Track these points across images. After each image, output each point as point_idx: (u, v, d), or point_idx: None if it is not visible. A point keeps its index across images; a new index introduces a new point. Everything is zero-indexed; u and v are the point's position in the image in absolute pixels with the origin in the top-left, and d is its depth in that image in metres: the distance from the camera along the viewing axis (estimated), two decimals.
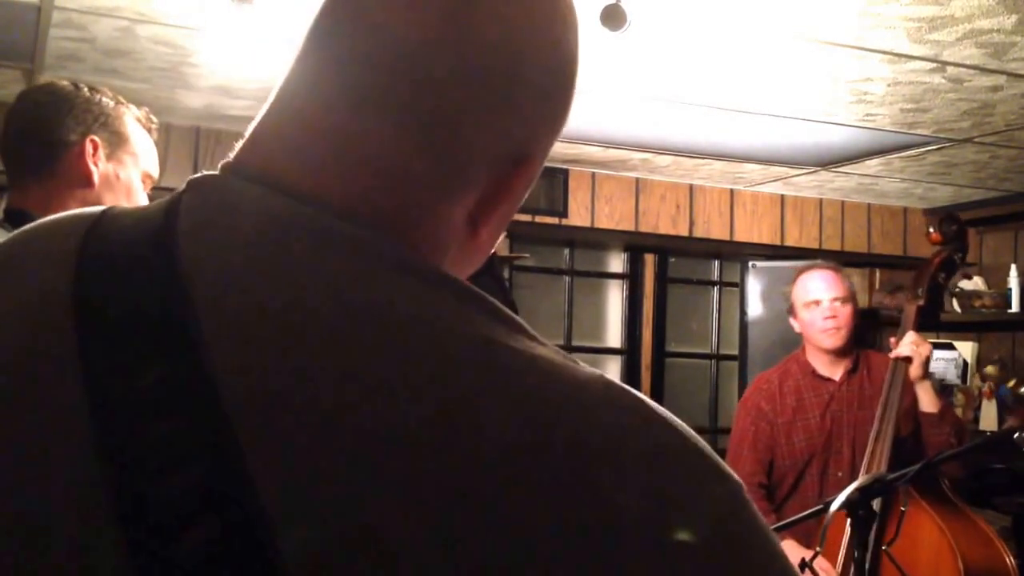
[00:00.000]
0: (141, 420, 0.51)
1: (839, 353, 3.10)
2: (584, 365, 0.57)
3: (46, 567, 0.50)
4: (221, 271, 0.55)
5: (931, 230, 3.09)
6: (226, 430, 0.49)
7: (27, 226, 0.65)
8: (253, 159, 0.63)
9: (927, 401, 2.91)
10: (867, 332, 3.20)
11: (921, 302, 2.99)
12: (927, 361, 2.89)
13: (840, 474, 2.99)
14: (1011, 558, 2.61)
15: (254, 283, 0.55)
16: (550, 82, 0.67)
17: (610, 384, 0.56)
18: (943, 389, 4.63)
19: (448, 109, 0.61)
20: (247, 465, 0.49)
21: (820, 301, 3.09)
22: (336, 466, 0.49)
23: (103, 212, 0.63)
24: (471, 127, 0.62)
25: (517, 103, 0.64)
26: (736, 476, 0.55)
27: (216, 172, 0.63)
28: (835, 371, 3.11)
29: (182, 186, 0.62)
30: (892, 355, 2.90)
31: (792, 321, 3.23)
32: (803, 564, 2.05)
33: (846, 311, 3.07)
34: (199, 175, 0.63)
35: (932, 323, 3.13)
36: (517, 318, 0.58)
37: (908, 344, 2.87)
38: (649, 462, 0.52)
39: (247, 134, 0.65)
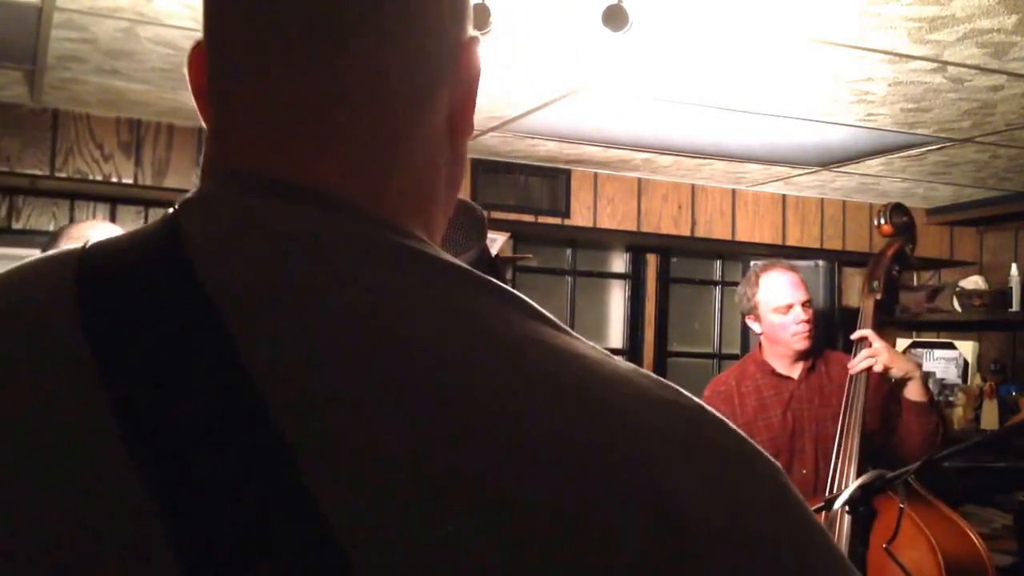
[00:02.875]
0: (192, 453, 0.47)
1: (804, 353, 3.11)
2: (620, 360, 0.57)
3: None
4: (249, 289, 0.52)
5: (881, 221, 3.06)
6: (285, 457, 0.46)
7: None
8: (232, 157, 0.59)
9: (915, 390, 2.90)
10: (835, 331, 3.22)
11: (878, 296, 2.98)
12: (891, 361, 2.89)
13: (805, 471, 3.00)
14: (986, 550, 2.61)
15: (287, 300, 0.52)
16: None
17: (652, 379, 0.56)
18: (944, 389, 4.64)
19: (363, 16, 0.58)
20: (312, 493, 0.46)
21: (792, 306, 3.10)
22: (402, 487, 0.47)
23: (84, 245, 0.58)
24: (419, 51, 0.60)
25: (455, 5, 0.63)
26: (774, 460, 0.56)
27: (204, 189, 0.59)
28: (794, 370, 3.13)
29: (172, 208, 0.59)
30: (852, 372, 2.89)
31: (751, 322, 3.22)
32: None
33: (810, 312, 3.10)
34: (190, 194, 0.59)
35: (889, 319, 3.12)
36: (551, 316, 0.57)
37: (863, 359, 2.88)
38: (703, 456, 0.53)
39: (211, 127, 0.62)
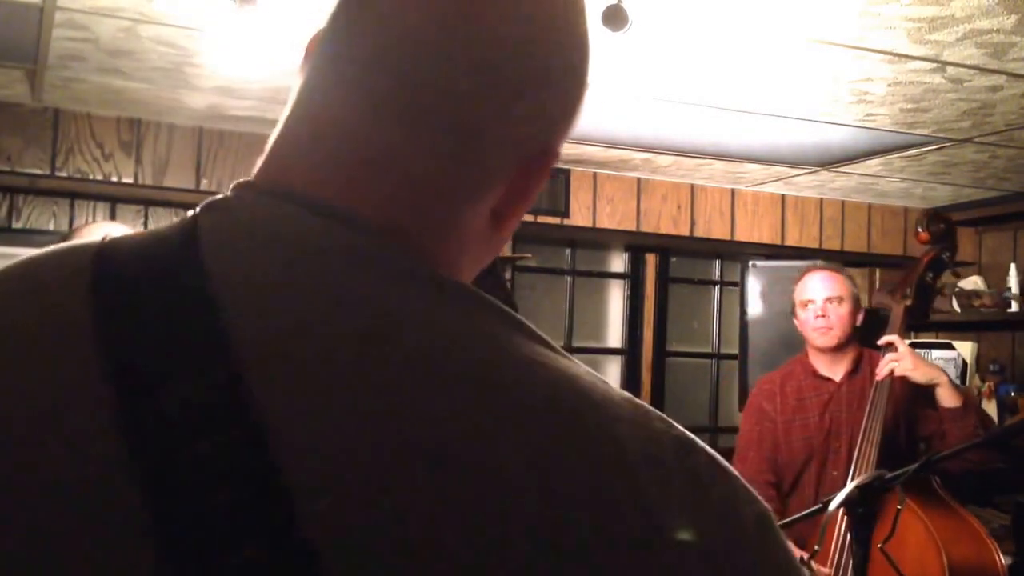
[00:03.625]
0: (180, 444, 0.49)
1: (837, 353, 3.11)
2: (612, 386, 0.58)
3: None
4: (253, 290, 0.54)
5: (919, 229, 3.07)
6: (263, 450, 0.48)
7: (18, 260, 0.62)
8: (273, 175, 0.61)
9: (946, 396, 2.90)
10: (869, 332, 3.21)
11: (909, 302, 2.98)
12: (914, 367, 2.89)
13: (836, 473, 3.00)
14: (1000, 556, 2.62)
15: (289, 304, 0.53)
16: (568, 73, 0.66)
17: (644, 407, 0.57)
18: None
19: (468, 110, 0.60)
20: (289, 484, 0.48)
21: (814, 300, 3.11)
22: (382, 486, 0.48)
23: (103, 240, 0.60)
24: (494, 127, 0.61)
25: (538, 98, 0.63)
26: (762, 501, 0.57)
27: (233, 193, 0.61)
28: (836, 371, 3.13)
29: (196, 209, 0.60)
30: (877, 378, 2.91)
31: (795, 320, 3.24)
32: (800, 562, 2.05)
33: (840, 311, 3.08)
34: (216, 197, 0.61)
35: (921, 323, 3.12)
36: (546, 337, 0.58)
37: (886, 363, 2.89)
38: (692, 484, 0.54)
39: (267, 147, 0.64)
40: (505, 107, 0.61)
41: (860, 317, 3.13)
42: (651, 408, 0.57)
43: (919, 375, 2.89)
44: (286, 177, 0.61)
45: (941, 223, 3.07)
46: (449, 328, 0.55)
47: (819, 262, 3.35)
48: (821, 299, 3.09)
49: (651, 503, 0.51)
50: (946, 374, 2.97)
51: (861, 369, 3.12)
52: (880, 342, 2.96)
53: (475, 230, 0.64)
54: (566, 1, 0.66)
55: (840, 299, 3.10)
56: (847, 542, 2.57)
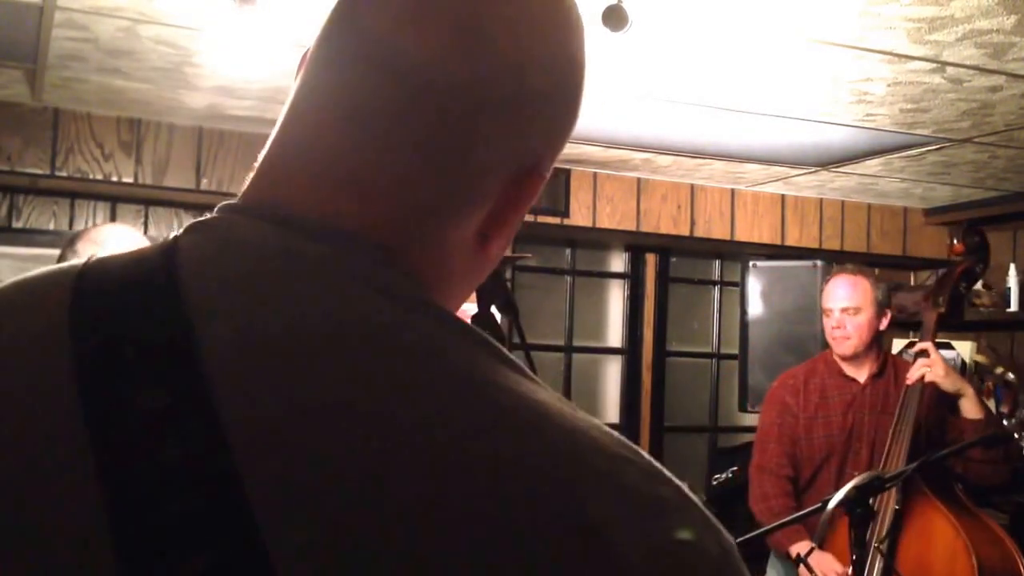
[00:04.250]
0: (141, 446, 0.50)
1: (857, 358, 3.15)
2: (579, 411, 0.56)
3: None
4: (226, 308, 0.55)
5: (955, 241, 3.18)
6: (225, 459, 0.49)
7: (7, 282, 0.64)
8: (258, 194, 0.62)
9: (969, 408, 2.97)
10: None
11: (942, 310, 3.07)
12: (945, 375, 2.94)
13: (856, 473, 3.02)
14: (1021, 558, 2.65)
15: (260, 319, 0.54)
16: (559, 91, 0.65)
17: (607, 432, 0.55)
18: None
19: (455, 126, 0.59)
20: (246, 494, 0.48)
21: (832, 311, 3.16)
22: (330, 496, 0.48)
23: (88, 260, 0.61)
24: (481, 143, 0.61)
25: (527, 115, 0.63)
26: (727, 534, 0.55)
27: (218, 213, 0.62)
28: (860, 372, 3.17)
29: (179, 230, 0.61)
30: (908, 382, 2.97)
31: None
32: (798, 560, 2.06)
33: (856, 321, 3.12)
34: (200, 218, 0.61)
35: (955, 323, 3.23)
36: (517, 361, 0.58)
37: (918, 367, 2.96)
38: (653, 514, 0.52)
39: (256, 164, 0.64)
40: (491, 126, 0.61)
41: (885, 321, 3.17)
42: (624, 440, 0.56)
43: (948, 383, 2.96)
44: (271, 196, 0.61)
45: (976, 236, 3.19)
46: (419, 336, 0.55)
47: (849, 265, 3.37)
48: (837, 309, 3.15)
49: (598, 517, 0.50)
50: (971, 386, 3.02)
51: (886, 373, 3.15)
52: (914, 349, 3.03)
53: (461, 249, 0.63)
54: (558, 21, 0.65)
55: (857, 309, 3.13)
56: (868, 541, 2.59)
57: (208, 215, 0.62)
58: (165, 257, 0.58)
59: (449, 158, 0.60)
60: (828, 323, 3.18)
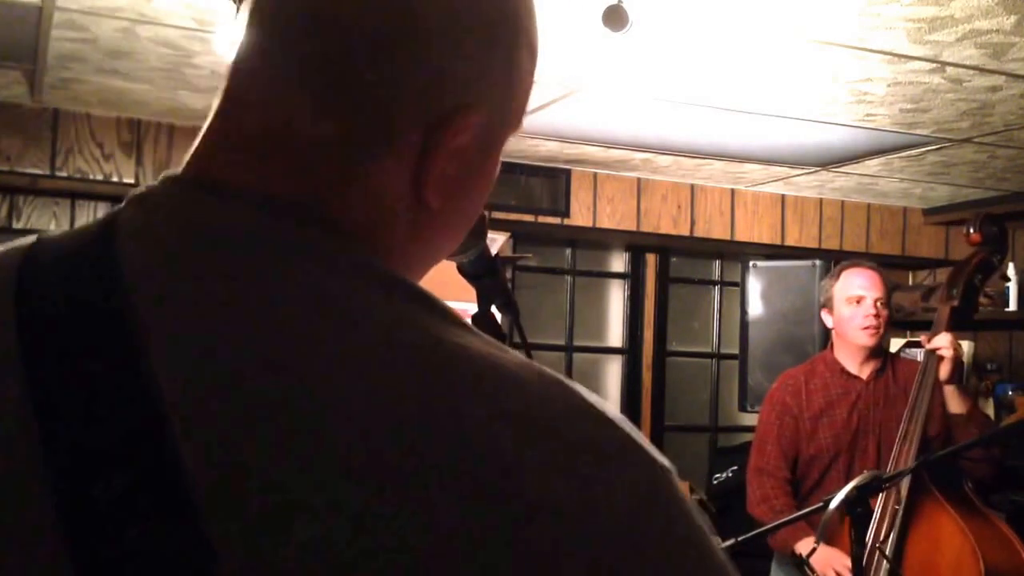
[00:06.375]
0: (82, 416, 0.50)
1: (871, 352, 3.12)
2: (516, 353, 0.56)
3: None
4: (161, 276, 0.55)
5: (971, 231, 2.99)
6: (161, 427, 0.49)
7: None
8: (194, 160, 0.62)
9: (955, 403, 2.92)
10: None
11: (955, 303, 2.93)
12: (958, 362, 2.89)
13: (865, 472, 3.01)
14: None
15: (192, 286, 0.55)
16: (477, 19, 0.61)
17: (543, 373, 0.55)
18: None
19: (347, 60, 0.58)
20: (181, 457, 0.49)
21: (864, 298, 3.08)
22: (266, 455, 0.49)
23: (37, 237, 0.62)
24: (375, 80, 0.58)
25: (437, 46, 0.59)
26: (665, 461, 0.54)
27: (154, 185, 0.62)
28: (863, 370, 3.13)
29: (121, 204, 0.62)
30: (927, 346, 2.88)
31: (825, 315, 3.22)
32: (800, 560, 2.06)
33: (885, 314, 3.09)
34: (137, 190, 0.62)
35: (967, 323, 3.08)
36: (448, 306, 0.57)
37: (944, 340, 2.86)
38: (577, 449, 0.51)
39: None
40: (383, 62, 0.58)
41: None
42: (559, 378, 0.55)
43: (946, 372, 2.87)
44: (204, 162, 0.61)
45: (994, 225, 3.00)
46: (358, 308, 0.55)
47: (863, 260, 3.32)
48: (872, 298, 3.07)
49: (510, 453, 0.50)
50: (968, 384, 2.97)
51: (887, 369, 3.13)
52: (928, 346, 2.92)
53: (396, 203, 0.61)
54: None
55: (885, 301, 3.10)
56: (878, 542, 2.58)
57: (149, 184, 0.63)
58: (105, 227, 0.59)
59: (341, 97, 0.58)
60: (857, 312, 3.07)
